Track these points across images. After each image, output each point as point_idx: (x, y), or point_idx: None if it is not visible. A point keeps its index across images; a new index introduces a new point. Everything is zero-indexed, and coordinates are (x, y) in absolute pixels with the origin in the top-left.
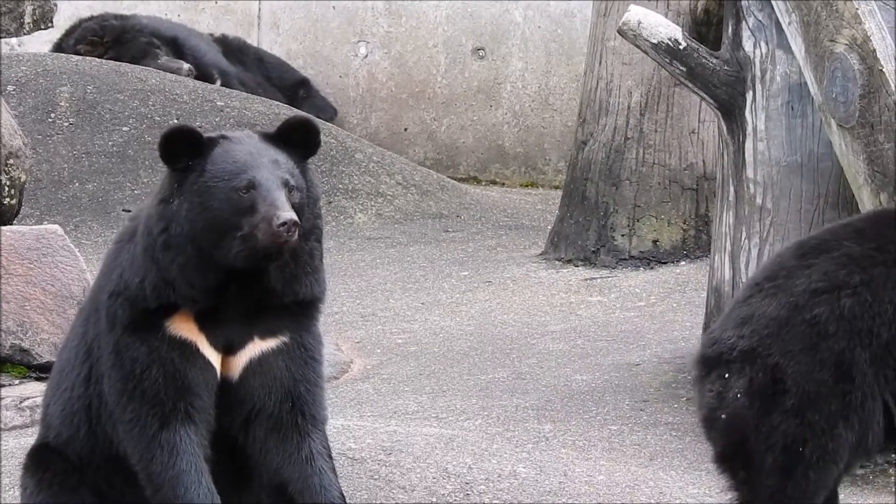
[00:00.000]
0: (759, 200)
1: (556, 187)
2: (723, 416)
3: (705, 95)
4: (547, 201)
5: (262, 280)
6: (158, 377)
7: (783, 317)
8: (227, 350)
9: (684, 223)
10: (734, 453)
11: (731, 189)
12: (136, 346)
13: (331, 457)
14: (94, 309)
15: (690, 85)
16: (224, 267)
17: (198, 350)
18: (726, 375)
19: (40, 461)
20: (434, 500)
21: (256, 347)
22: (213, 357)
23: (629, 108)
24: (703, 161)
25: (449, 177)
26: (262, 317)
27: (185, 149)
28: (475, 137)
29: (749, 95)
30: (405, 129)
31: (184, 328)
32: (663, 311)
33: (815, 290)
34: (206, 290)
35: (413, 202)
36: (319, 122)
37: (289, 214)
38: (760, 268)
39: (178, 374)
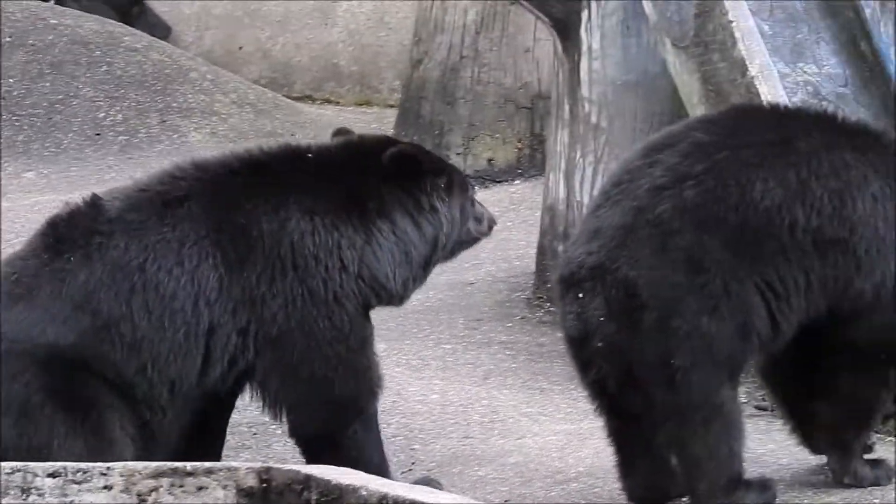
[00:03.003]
0: (593, 119)
1: (391, 106)
2: (599, 345)
3: (541, 14)
4: (382, 120)
5: None
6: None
7: (628, 223)
8: None
9: (519, 142)
10: (625, 381)
11: (566, 108)
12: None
13: None
14: None
15: (526, 4)
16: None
17: None
18: (580, 295)
19: None
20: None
21: None
22: None
23: (465, 26)
24: (538, 80)
25: (284, 95)
26: None
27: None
28: (310, 56)
29: (584, 14)
30: (240, 48)
31: None
32: (497, 230)
33: (657, 188)
34: None
35: (248, 121)
36: (155, 42)
37: None
38: (609, 175)
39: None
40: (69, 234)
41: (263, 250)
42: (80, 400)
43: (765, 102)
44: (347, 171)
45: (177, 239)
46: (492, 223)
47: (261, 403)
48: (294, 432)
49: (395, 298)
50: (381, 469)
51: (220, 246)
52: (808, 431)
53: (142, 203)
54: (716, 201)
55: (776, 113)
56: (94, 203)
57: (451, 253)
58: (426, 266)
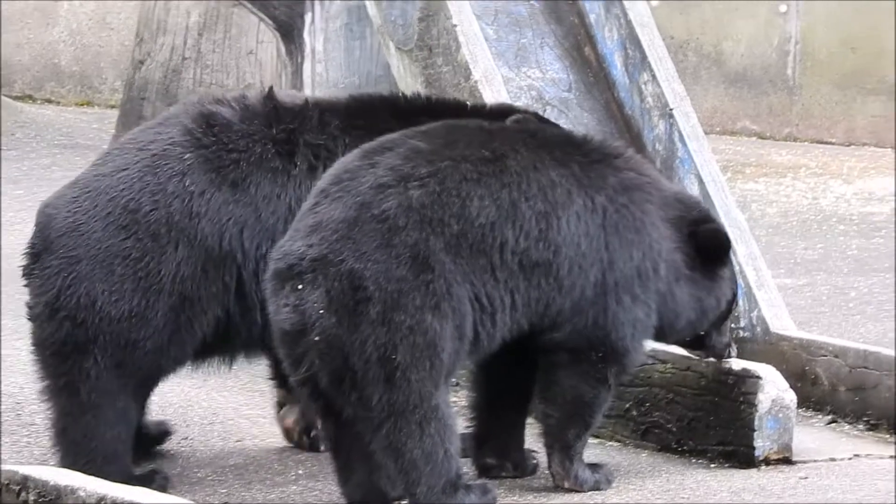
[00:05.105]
0: None
1: (113, 107)
2: (316, 339)
3: (264, 16)
4: (103, 120)
5: None
6: None
7: (351, 217)
8: None
9: None
10: (339, 378)
11: None
12: None
13: None
14: None
15: (249, 5)
16: None
17: None
18: (299, 287)
19: None
20: None
21: None
22: None
23: (187, 27)
24: (262, 82)
25: (4, 95)
26: None
27: None
28: (31, 55)
29: (308, 17)
30: None
31: None
32: None
33: (381, 185)
34: None
35: None
36: None
37: None
38: (324, 176)
39: None
40: (298, 137)
41: None
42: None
43: (467, 120)
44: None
45: None
46: None
47: None
48: None
49: None
50: None
51: None
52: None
53: (360, 129)
54: (440, 206)
55: (483, 129)
56: (321, 112)
57: None
58: None
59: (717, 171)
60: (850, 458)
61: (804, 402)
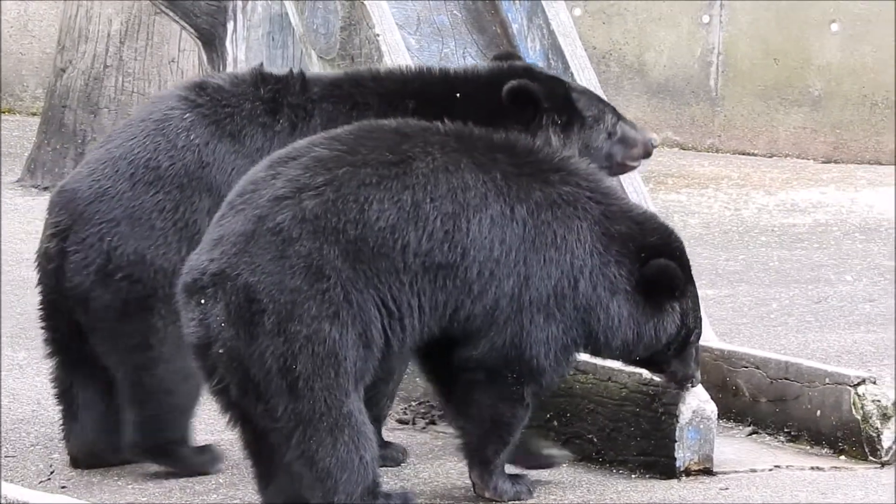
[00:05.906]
0: None
1: (34, 114)
2: (220, 351)
3: (186, 25)
4: (24, 128)
5: None
6: None
7: (248, 231)
8: None
9: None
10: (245, 388)
11: None
12: None
13: None
14: None
15: (171, 14)
16: None
17: None
18: (202, 301)
19: None
20: None
21: None
22: None
23: (109, 35)
24: None
25: None
26: None
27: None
28: None
29: (230, 25)
30: None
31: None
32: None
33: (278, 198)
34: None
35: None
36: None
37: None
38: (234, 188)
39: None
40: (282, 98)
41: None
42: None
43: (390, 121)
44: (479, 104)
45: None
46: (648, 147)
47: None
48: None
49: None
50: None
51: None
52: None
53: (337, 98)
54: (335, 213)
55: (399, 132)
56: (304, 79)
57: None
58: None
59: (639, 181)
60: (770, 469)
61: (725, 413)
